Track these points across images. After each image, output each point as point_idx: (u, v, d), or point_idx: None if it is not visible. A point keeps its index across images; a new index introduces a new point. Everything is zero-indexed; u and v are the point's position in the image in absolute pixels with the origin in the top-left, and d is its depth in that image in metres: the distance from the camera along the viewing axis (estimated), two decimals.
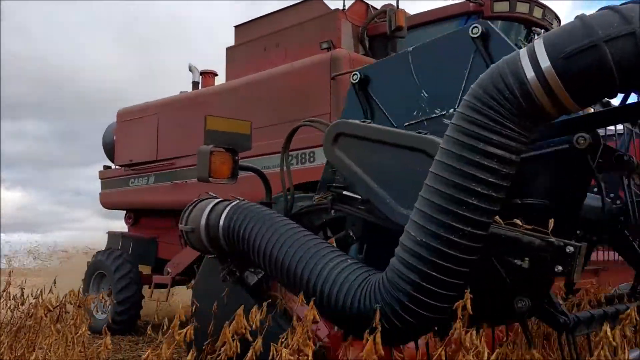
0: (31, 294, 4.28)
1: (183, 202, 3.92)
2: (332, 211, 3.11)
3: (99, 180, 9.53)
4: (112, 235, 9.32)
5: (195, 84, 9.38)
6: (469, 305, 2.11)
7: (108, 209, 9.60)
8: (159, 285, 8.09)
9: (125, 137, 8.96)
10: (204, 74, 9.48)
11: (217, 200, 3.25)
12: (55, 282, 4.09)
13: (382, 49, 6.97)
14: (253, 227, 2.87)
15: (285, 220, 2.92)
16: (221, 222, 3.03)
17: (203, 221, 3.14)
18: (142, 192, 8.64)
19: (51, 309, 3.82)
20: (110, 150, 9.37)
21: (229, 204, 3.10)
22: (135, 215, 9.46)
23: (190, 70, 9.51)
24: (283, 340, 2.43)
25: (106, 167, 9.62)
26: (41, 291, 4.09)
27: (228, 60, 8.15)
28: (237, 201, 3.14)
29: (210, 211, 3.15)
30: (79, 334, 3.63)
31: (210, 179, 3.22)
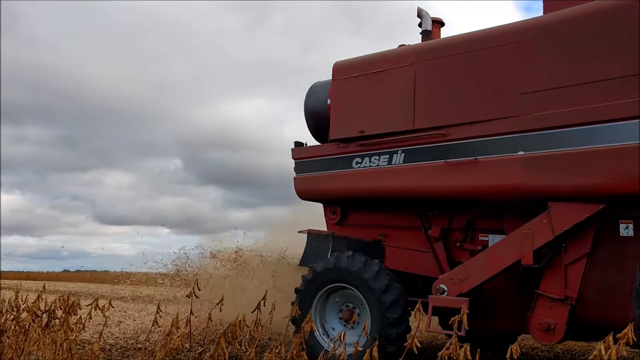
0: (21, 299, 4.34)
1: (470, 187, 4.12)
2: None
3: (293, 162, 7.03)
4: (314, 237, 6.83)
5: (426, 33, 6.97)
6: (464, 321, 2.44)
7: (306, 199, 7.07)
8: (437, 309, 5.57)
9: (349, 100, 6.47)
10: (433, 22, 7.10)
11: None
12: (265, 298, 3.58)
13: None
14: None
15: None
16: None
17: None
18: (378, 175, 6.15)
19: (39, 314, 3.92)
20: (318, 119, 6.89)
21: None
22: (342, 209, 6.97)
23: (420, 16, 7.10)
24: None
25: (298, 144, 7.12)
26: (38, 296, 4.08)
27: None
28: None
29: None
30: (67, 340, 3.74)
31: None
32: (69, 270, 46.52)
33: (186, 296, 4.08)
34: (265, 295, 3.74)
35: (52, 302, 3.91)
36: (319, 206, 7.32)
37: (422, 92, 5.88)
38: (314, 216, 8.10)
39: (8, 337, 4.01)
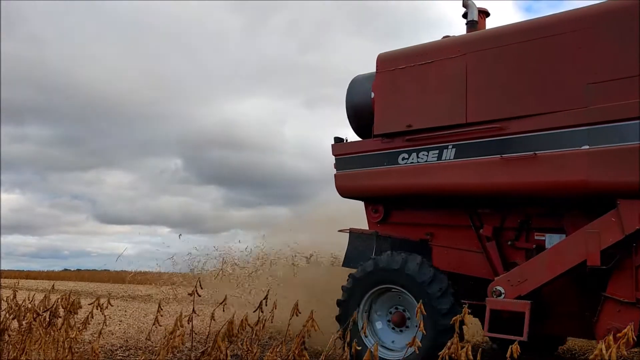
0: (28, 299, 4.36)
1: (529, 183, 4.33)
2: None
3: (334, 159, 6.78)
4: (357, 236, 6.57)
5: (472, 24, 6.68)
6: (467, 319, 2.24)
7: (347, 196, 6.80)
8: (495, 313, 5.28)
9: (395, 93, 6.20)
10: (479, 12, 6.82)
11: None
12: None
13: None
14: None
15: None
16: None
17: None
18: (427, 172, 5.87)
19: (40, 313, 3.93)
20: (360, 114, 6.62)
21: None
22: (385, 207, 6.70)
23: (465, 6, 6.81)
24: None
25: (338, 140, 6.86)
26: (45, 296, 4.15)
27: None
28: None
29: None
30: (67, 339, 3.77)
31: None
32: (69, 269, 46.90)
33: (188, 294, 4.04)
34: (267, 295, 3.68)
35: (54, 301, 3.87)
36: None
37: (475, 84, 5.59)
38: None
39: (9, 336, 4.03)
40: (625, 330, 2.59)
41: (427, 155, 5.90)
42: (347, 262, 6.55)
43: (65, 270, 46.81)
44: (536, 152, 5.12)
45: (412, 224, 6.54)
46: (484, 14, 6.97)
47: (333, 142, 6.84)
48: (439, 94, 5.84)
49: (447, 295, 5.39)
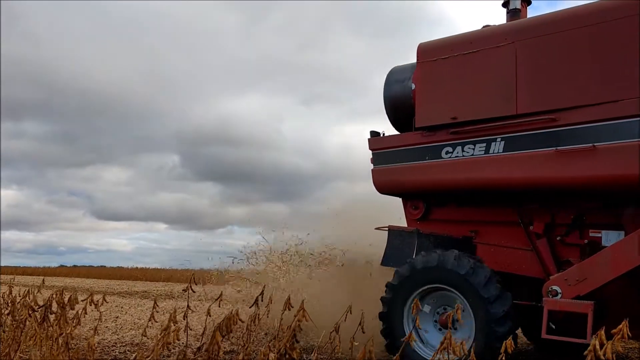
0: (19, 294, 4.43)
1: (586, 177, 4.25)
2: None
3: (371, 153, 6.52)
4: (396, 234, 6.31)
5: (514, 12, 6.41)
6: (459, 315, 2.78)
7: (385, 192, 6.54)
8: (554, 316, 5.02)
9: (437, 85, 5.93)
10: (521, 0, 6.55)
11: None
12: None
13: None
14: None
15: None
16: None
17: None
18: (473, 166, 5.60)
19: (35, 309, 3.93)
20: (398, 106, 6.36)
21: None
22: (425, 203, 6.43)
23: None
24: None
25: (374, 134, 6.60)
26: (28, 291, 4.23)
27: None
28: None
29: None
30: (62, 335, 3.71)
31: None
32: (66, 266, 46.85)
33: (182, 290, 4.05)
34: (262, 291, 3.61)
35: (49, 297, 3.87)
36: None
37: (526, 73, 5.32)
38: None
39: (4, 332, 4.02)
40: (620, 326, 2.52)
41: (474, 149, 5.63)
42: (386, 261, 6.29)
43: (62, 266, 46.96)
44: (595, 144, 4.84)
45: (454, 221, 6.28)
46: (526, 2, 6.70)
47: (369, 136, 6.59)
48: (486, 84, 5.58)
49: (493, 283, 5.16)
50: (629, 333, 2.56)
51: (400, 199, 6.70)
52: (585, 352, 2.49)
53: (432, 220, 6.44)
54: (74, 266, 45.91)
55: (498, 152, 5.46)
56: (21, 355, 3.87)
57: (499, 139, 5.47)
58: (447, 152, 5.83)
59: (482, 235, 6.07)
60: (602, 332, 2.58)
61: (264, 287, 4.09)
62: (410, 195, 6.46)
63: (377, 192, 6.60)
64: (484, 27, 6.32)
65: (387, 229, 6.40)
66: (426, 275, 5.49)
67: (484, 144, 5.56)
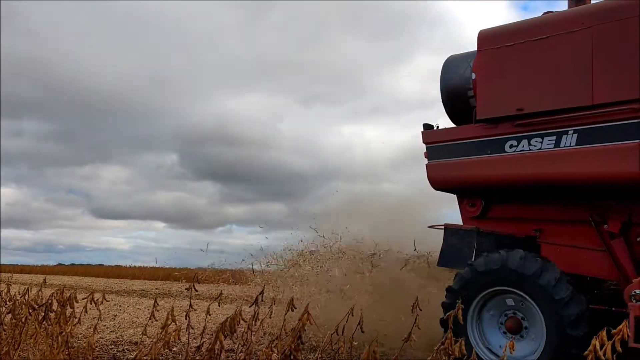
0: (18, 292, 4.34)
1: None
2: None
3: (424, 147, 6.16)
4: (453, 232, 5.95)
5: None
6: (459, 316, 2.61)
7: (441, 188, 6.18)
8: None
9: (501, 74, 5.56)
10: None
11: None
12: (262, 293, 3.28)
13: None
14: None
15: None
16: None
17: None
18: (541, 160, 5.23)
19: (35, 307, 3.86)
20: (456, 97, 6.00)
21: None
22: (484, 200, 6.07)
23: None
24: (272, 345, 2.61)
25: (428, 126, 6.24)
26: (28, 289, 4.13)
27: None
28: None
29: None
30: (62, 333, 3.66)
31: None
32: (64, 264, 46.84)
33: (185, 289, 3.85)
34: (262, 290, 3.43)
35: (49, 296, 3.85)
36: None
37: (604, 61, 4.92)
38: None
39: (4, 330, 3.99)
40: (620, 326, 2.49)
41: (542, 142, 5.25)
42: (443, 262, 5.95)
43: (60, 264, 47.02)
44: None
45: (515, 219, 5.91)
46: None
47: (423, 129, 6.24)
48: (556, 73, 5.19)
49: (563, 282, 4.80)
50: (629, 333, 2.44)
51: (450, 196, 6.34)
52: (586, 352, 2.45)
53: (491, 219, 6.07)
54: (72, 264, 45.97)
55: (570, 146, 5.07)
56: (21, 353, 3.81)
57: (571, 132, 5.08)
58: (511, 146, 5.46)
59: (547, 235, 5.70)
60: (603, 332, 2.51)
61: (263, 286, 3.93)
62: (467, 192, 6.10)
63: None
64: (544, 14, 5.93)
65: (442, 227, 6.06)
66: (490, 278, 5.13)
67: (554, 137, 5.18)
